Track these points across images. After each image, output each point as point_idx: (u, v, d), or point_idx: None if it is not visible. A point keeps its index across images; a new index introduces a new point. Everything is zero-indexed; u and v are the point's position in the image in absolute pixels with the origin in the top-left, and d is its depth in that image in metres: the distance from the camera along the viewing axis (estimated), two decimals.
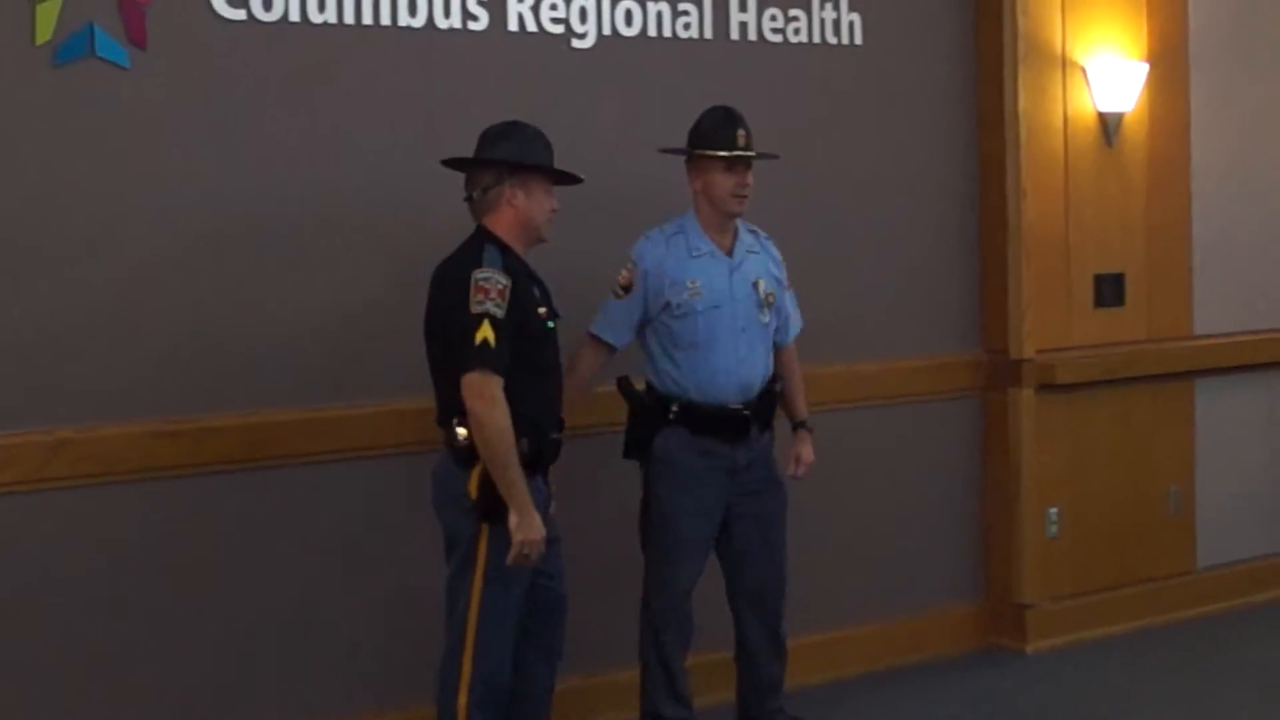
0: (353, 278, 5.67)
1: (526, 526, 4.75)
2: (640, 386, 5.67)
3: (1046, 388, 7.25)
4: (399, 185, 5.73)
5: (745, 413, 5.60)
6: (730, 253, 5.66)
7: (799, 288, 5.99)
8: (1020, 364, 7.17)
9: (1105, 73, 7.39)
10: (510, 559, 4.78)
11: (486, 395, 4.71)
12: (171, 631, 5.39)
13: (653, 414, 5.57)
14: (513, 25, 5.95)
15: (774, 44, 6.57)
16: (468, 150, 5.15)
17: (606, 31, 6.16)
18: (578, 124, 5.78)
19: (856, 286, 6.78)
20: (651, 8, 6.25)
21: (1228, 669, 7.00)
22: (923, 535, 7.11)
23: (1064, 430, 7.38)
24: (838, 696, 6.50)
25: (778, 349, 5.81)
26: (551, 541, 4.95)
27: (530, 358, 4.87)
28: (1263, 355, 8.02)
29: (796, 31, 6.63)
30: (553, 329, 5.01)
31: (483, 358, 4.71)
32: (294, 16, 5.50)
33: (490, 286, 4.77)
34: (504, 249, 4.92)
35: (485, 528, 4.83)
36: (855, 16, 6.78)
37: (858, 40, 6.79)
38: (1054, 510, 7.35)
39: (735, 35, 6.47)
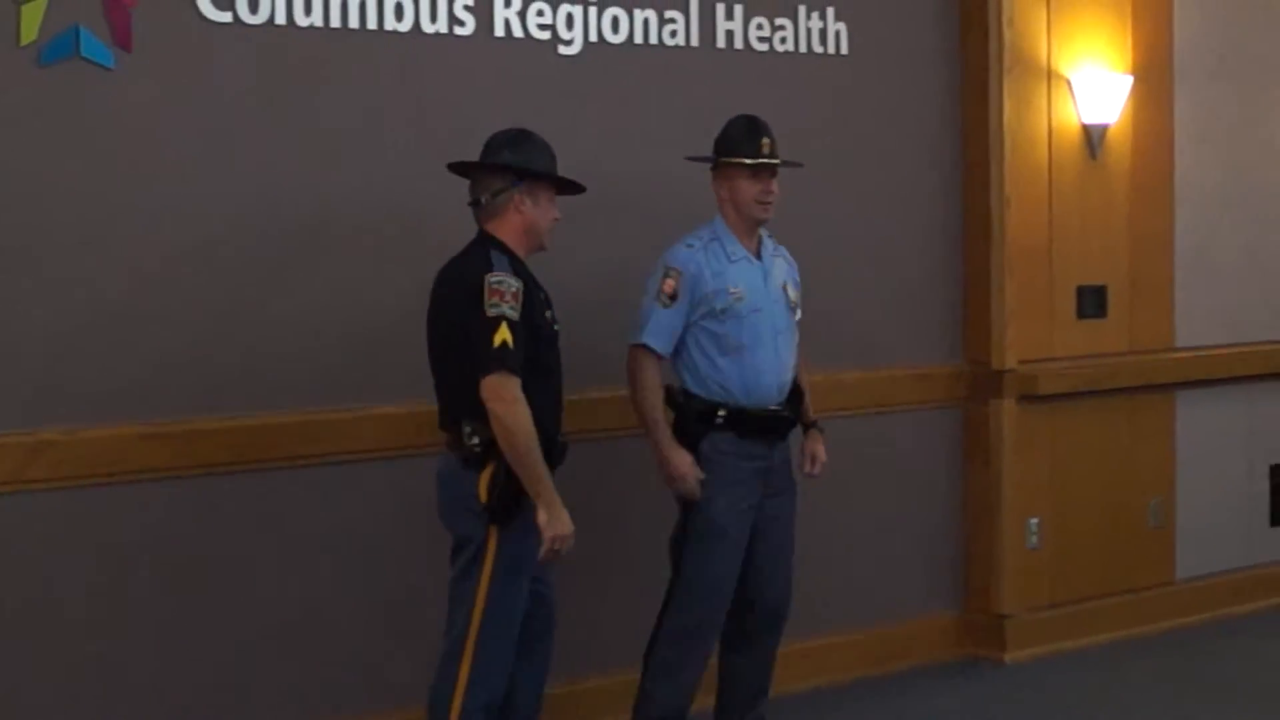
0: (339, 281, 5.66)
1: (557, 522, 4.80)
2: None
3: (1028, 398, 7.27)
4: (385, 189, 5.73)
5: (785, 414, 5.71)
6: (759, 257, 5.74)
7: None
8: (1002, 375, 7.19)
9: (1090, 85, 7.41)
10: (542, 556, 4.84)
11: (508, 396, 4.75)
12: (157, 634, 5.38)
13: (701, 419, 5.61)
14: (499, 31, 5.95)
15: (760, 53, 6.58)
16: (455, 155, 5.16)
17: (593, 38, 6.16)
18: (564, 130, 5.76)
19: (840, 296, 6.78)
20: (638, 15, 6.26)
21: (1206, 680, 7.02)
22: (903, 545, 7.12)
23: (1045, 441, 7.40)
24: (817, 705, 6.51)
25: None
26: None
27: (538, 360, 4.91)
28: (1243, 368, 8.05)
29: (783, 40, 6.64)
30: (558, 332, 5.06)
31: (502, 360, 4.75)
32: (280, 19, 5.49)
33: (504, 290, 4.81)
34: (509, 254, 4.95)
35: (494, 530, 4.86)
36: (841, 26, 6.80)
37: (844, 50, 6.81)
38: (1034, 521, 7.36)
39: (721, 43, 6.48)
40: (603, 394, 5.71)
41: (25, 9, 5.05)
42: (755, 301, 5.66)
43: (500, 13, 5.94)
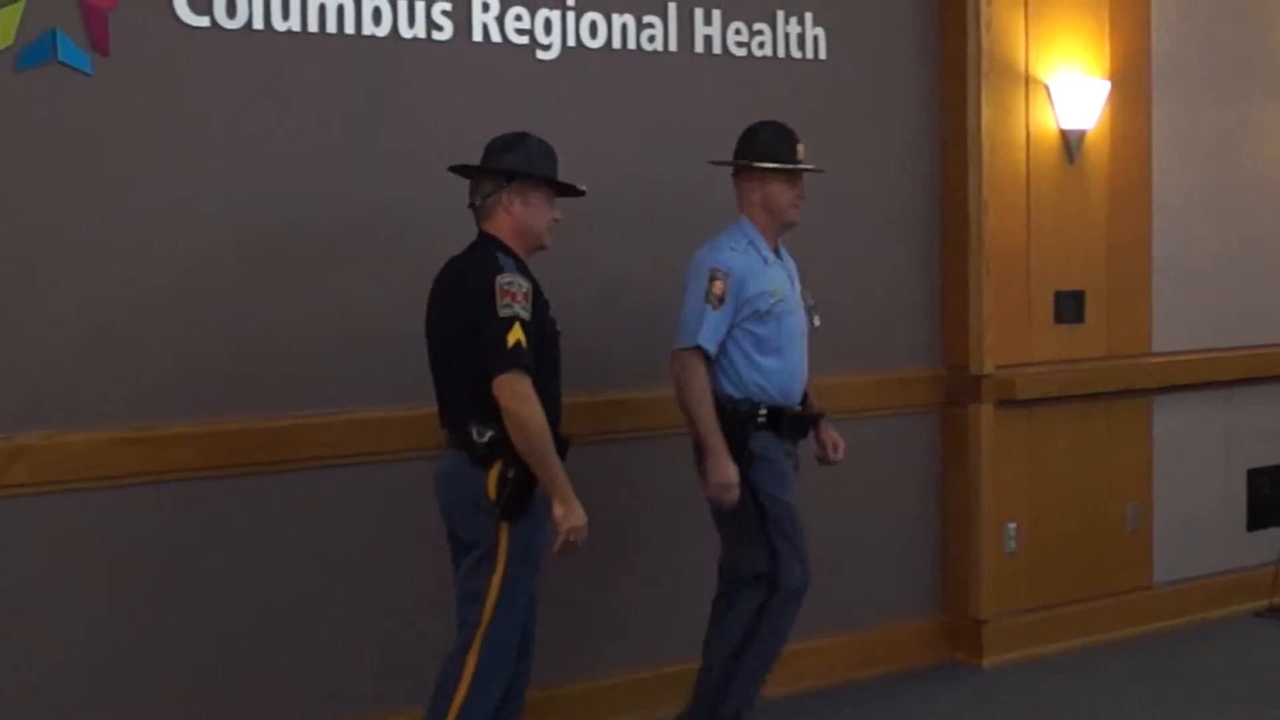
0: (320, 286, 5.66)
1: (572, 514, 4.91)
2: None
3: (1006, 403, 7.28)
4: (363, 194, 5.73)
5: (809, 413, 5.87)
6: (779, 259, 5.85)
7: None
8: (980, 379, 7.20)
9: (1068, 90, 7.43)
10: (557, 548, 4.93)
11: (522, 394, 4.83)
12: (139, 638, 5.38)
13: (746, 421, 5.68)
14: (477, 36, 5.94)
15: (738, 57, 6.58)
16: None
17: (571, 43, 6.16)
18: (542, 135, 5.77)
19: (817, 300, 6.76)
20: (616, 20, 6.26)
21: (1183, 684, 7.04)
22: (881, 549, 7.13)
23: (1023, 446, 7.41)
24: (795, 709, 6.51)
25: None
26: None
27: (543, 360, 4.98)
28: (1220, 373, 8.06)
29: (761, 45, 6.64)
30: (559, 332, 5.13)
31: (517, 359, 4.83)
32: (258, 24, 5.49)
33: (515, 290, 4.88)
34: (514, 255, 5.03)
35: (505, 527, 4.92)
36: (820, 31, 6.80)
37: (822, 55, 6.81)
38: (1012, 525, 7.38)
39: (700, 48, 6.48)
40: (587, 400, 5.72)
41: (2, 13, 5.05)
42: (788, 304, 5.79)
43: (478, 18, 5.94)
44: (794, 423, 5.80)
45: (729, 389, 5.70)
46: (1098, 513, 7.70)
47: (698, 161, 6.02)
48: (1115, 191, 7.73)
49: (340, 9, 5.65)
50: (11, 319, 5.12)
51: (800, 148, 5.81)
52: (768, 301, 5.71)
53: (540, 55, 6.10)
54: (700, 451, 5.70)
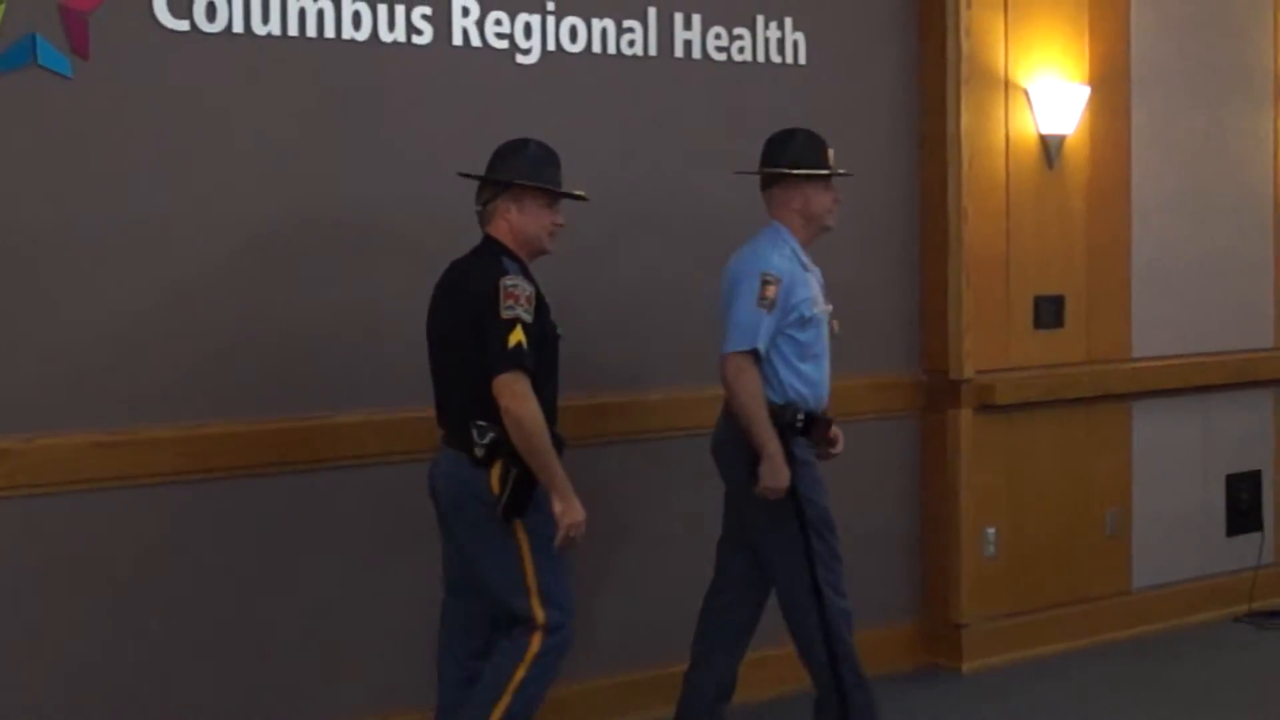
0: (298, 288, 5.66)
1: (571, 510, 5.01)
2: None
3: (985, 408, 7.29)
4: (342, 197, 5.73)
5: (830, 418, 5.90)
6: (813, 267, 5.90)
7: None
8: (960, 384, 7.21)
9: (1047, 95, 7.44)
10: (558, 543, 5.01)
11: (520, 393, 4.92)
12: (114, 642, 5.38)
13: (786, 426, 5.70)
14: (457, 40, 5.94)
15: (718, 62, 6.59)
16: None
17: (551, 48, 6.16)
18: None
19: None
20: (596, 24, 6.26)
21: (1162, 689, 7.05)
22: (860, 554, 7.05)
23: (1002, 451, 7.42)
24: (774, 713, 6.51)
25: None
26: None
27: (542, 363, 5.06)
28: (1200, 378, 8.08)
29: (741, 50, 6.65)
30: (560, 335, 5.21)
31: (517, 359, 4.93)
32: (238, 27, 5.49)
33: (519, 293, 4.98)
34: (518, 260, 5.12)
35: (517, 521, 5.02)
36: (800, 36, 6.81)
37: (801, 60, 6.82)
38: (991, 530, 7.39)
39: (680, 53, 6.48)
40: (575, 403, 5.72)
41: None
42: (823, 310, 5.83)
43: (458, 22, 5.94)
44: (820, 428, 5.84)
45: (770, 395, 5.70)
46: (1077, 518, 7.71)
47: (685, 165, 6.08)
48: (1094, 196, 7.75)
49: (320, 13, 5.64)
50: None
51: (831, 152, 5.86)
52: (811, 308, 5.76)
53: (520, 59, 6.10)
54: (728, 450, 5.74)
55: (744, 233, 5.93)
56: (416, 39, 5.86)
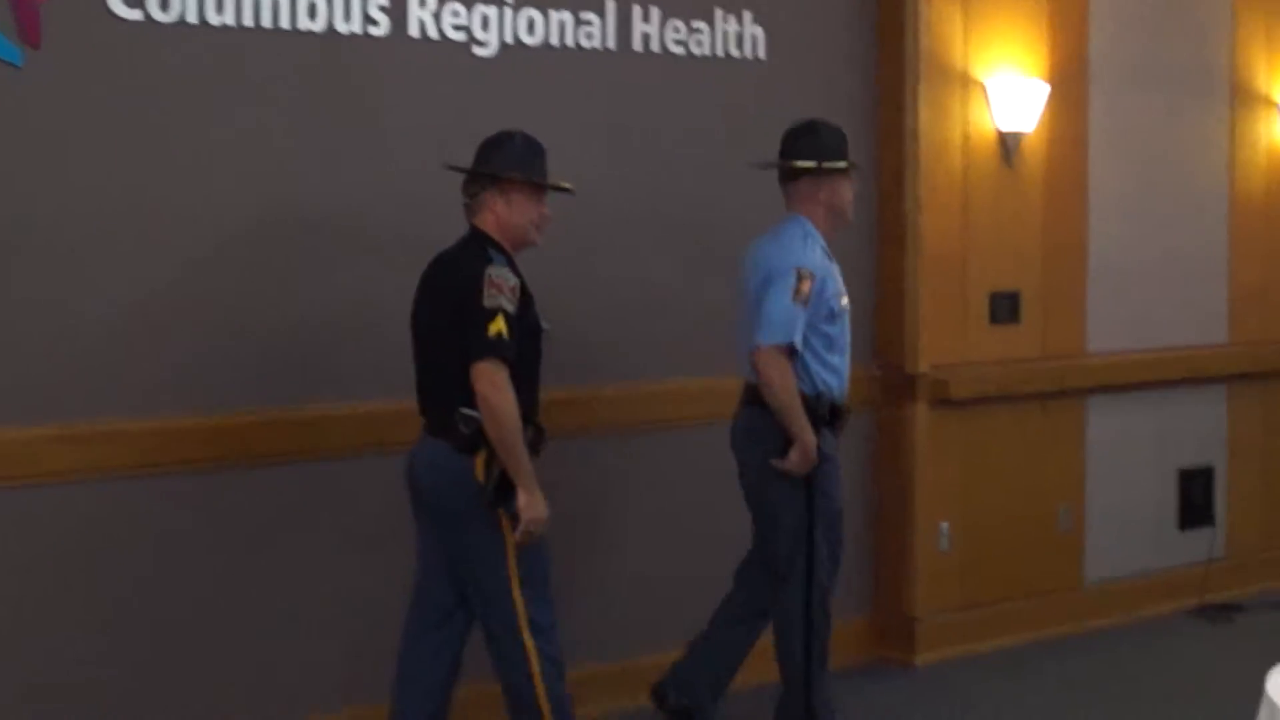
0: (261, 280, 5.65)
1: (535, 505, 5.02)
2: None
3: (941, 403, 7.31)
4: (298, 188, 5.71)
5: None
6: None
7: (706, 299, 6.02)
8: (915, 379, 7.23)
9: (1006, 92, 7.46)
10: (518, 537, 5.02)
11: (498, 383, 4.94)
12: (84, 638, 5.36)
13: (817, 418, 5.76)
14: (414, 32, 5.92)
15: (677, 56, 6.58)
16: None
17: (509, 40, 6.15)
18: (480, 132, 5.72)
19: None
20: (554, 17, 6.25)
21: (1113, 683, 7.09)
22: None
23: (957, 445, 7.45)
24: (727, 707, 6.52)
25: None
26: None
27: (526, 354, 5.09)
28: (1153, 374, 8.12)
29: (699, 44, 6.64)
30: (544, 329, 5.23)
31: (496, 349, 4.95)
32: (191, 18, 5.45)
33: (503, 283, 5.01)
34: (504, 251, 5.13)
35: (501, 511, 5.03)
36: (758, 30, 6.81)
37: (760, 54, 6.82)
38: (945, 524, 7.41)
39: (638, 47, 6.48)
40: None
41: None
42: (847, 303, 5.90)
43: (415, 13, 5.92)
44: (841, 419, 5.92)
45: (801, 387, 5.74)
46: (1030, 512, 7.74)
47: (644, 159, 6.05)
48: (1052, 193, 7.77)
49: (275, 3, 5.62)
50: None
51: (848, 147, 5.93)
52: (839, 302, 5.82)
53: (477, 51, 6.09)
54: (751, 434, 5.81)
55: (706, 224, 5.95)
56: (373, 30, 5.84)
